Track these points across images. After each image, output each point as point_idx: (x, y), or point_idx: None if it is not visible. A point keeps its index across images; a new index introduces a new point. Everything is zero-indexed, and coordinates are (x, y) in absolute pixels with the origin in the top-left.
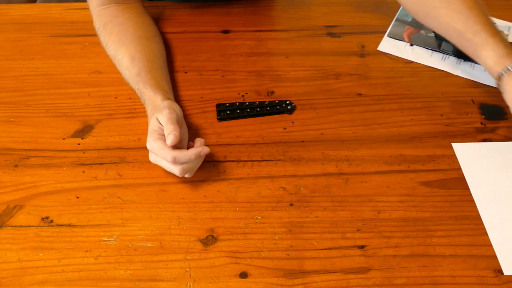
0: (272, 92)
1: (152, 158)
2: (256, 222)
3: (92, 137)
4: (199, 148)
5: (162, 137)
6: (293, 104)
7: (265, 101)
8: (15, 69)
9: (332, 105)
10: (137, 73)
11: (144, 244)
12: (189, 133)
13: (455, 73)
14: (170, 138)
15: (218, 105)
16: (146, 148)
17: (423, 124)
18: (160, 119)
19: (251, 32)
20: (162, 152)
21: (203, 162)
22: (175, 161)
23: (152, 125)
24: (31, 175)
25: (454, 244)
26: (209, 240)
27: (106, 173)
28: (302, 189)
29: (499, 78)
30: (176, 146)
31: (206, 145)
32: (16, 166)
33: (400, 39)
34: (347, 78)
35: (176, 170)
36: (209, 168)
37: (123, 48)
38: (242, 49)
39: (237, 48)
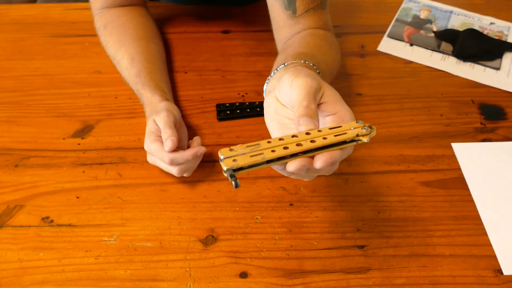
0: None
1: (150, 159)
2: (256, 222)
3: (92, 137)
4: (196, 149)
5: (160, 138)
6: None
7: None
8: (15, 69)
9: None
10: (136, 74)
11: (144, 244)
12: (189, 133)
13: (455, 73)
14: (168, 144)
15: (218, 105)
16: None
17: (423, 124)
18: (158, 122)
19: (251, 32)
20: (160, 154)
21: (203, 162)
22: (172, 163)
23: (150, 127)
24: (31, 175)
25: (453, 244)
26: (209, 240)
27: (106, 173)
28: (302, 189)
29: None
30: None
31: (206, 145)
32: (16, 166)
33: (400, 39)
34: (347, 78)
35: (174, 170)
36: (209, 168)
37: (123, 48)
38: (242, 49)
39: (237, 48)
